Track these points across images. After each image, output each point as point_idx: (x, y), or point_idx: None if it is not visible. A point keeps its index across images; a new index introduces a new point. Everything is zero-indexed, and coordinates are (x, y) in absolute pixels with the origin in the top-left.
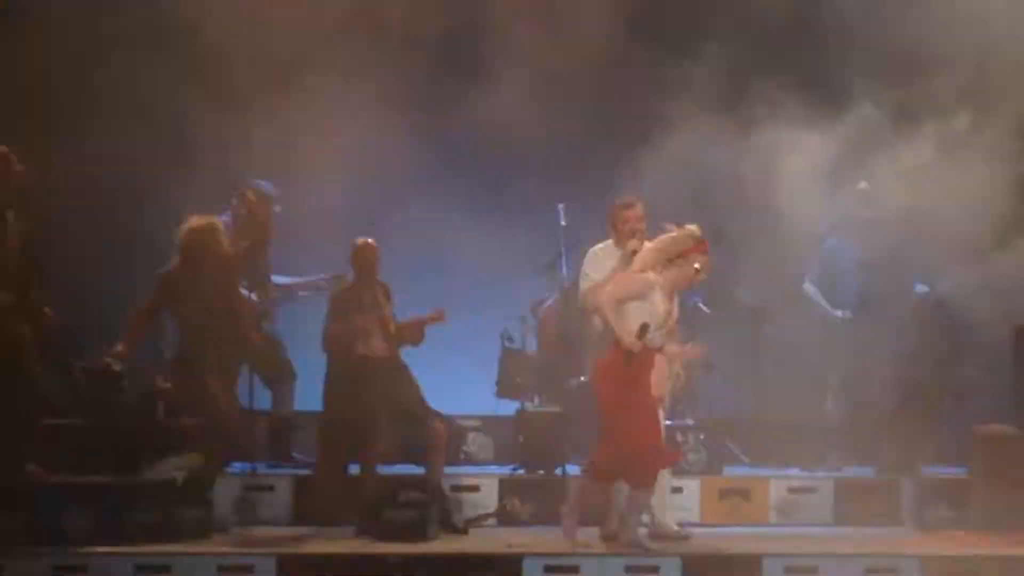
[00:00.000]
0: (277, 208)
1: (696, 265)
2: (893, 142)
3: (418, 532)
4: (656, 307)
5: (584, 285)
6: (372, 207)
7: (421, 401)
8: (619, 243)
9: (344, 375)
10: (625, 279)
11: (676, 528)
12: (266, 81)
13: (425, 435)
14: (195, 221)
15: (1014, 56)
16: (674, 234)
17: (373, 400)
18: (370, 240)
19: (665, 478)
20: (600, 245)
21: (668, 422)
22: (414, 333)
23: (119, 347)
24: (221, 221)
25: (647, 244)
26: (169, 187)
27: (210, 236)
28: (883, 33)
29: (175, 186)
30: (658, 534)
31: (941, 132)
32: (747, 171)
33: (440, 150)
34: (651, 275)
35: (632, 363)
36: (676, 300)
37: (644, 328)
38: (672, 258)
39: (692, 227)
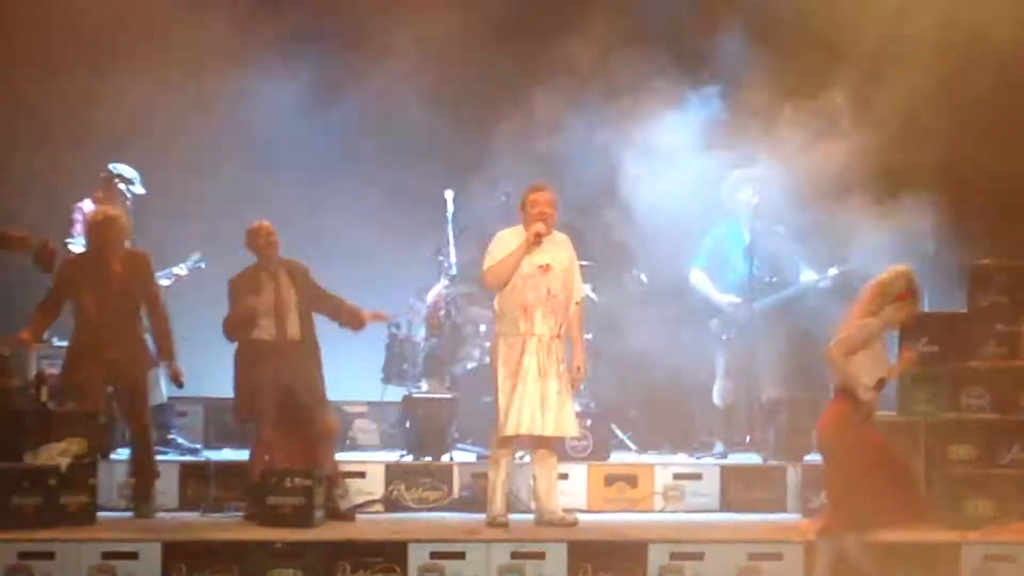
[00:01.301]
0: (141, 191)
1: (907, 308)
2: (780, 124)
3: (304, 518)
4: (879, 353)
5: (486, 264)
6: (258, 192)
7: (314, 388)
8: (527, 225)
9: (241, 361)
10: (850, 330)
11: (562, 514)
12: (143, 62)
13: (316, 424)
14: (96, 212)
15: (896, 35)
16: (888, 276)
17: (264, 385)
18: (265, 222)
19: (553, 463)
20: (508, 228)
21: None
22: (351, 319)
23: (23, 333)
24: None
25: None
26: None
27: (108, 227)
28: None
29: (37, 168)
30: (544, 520)
31: (826, 112)
32: (635, 155)
33: (326, 135)
34: (873, 321)
35: (861, 411)
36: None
37: (882, 381)
38: (890, 302)
39: (903, 267)
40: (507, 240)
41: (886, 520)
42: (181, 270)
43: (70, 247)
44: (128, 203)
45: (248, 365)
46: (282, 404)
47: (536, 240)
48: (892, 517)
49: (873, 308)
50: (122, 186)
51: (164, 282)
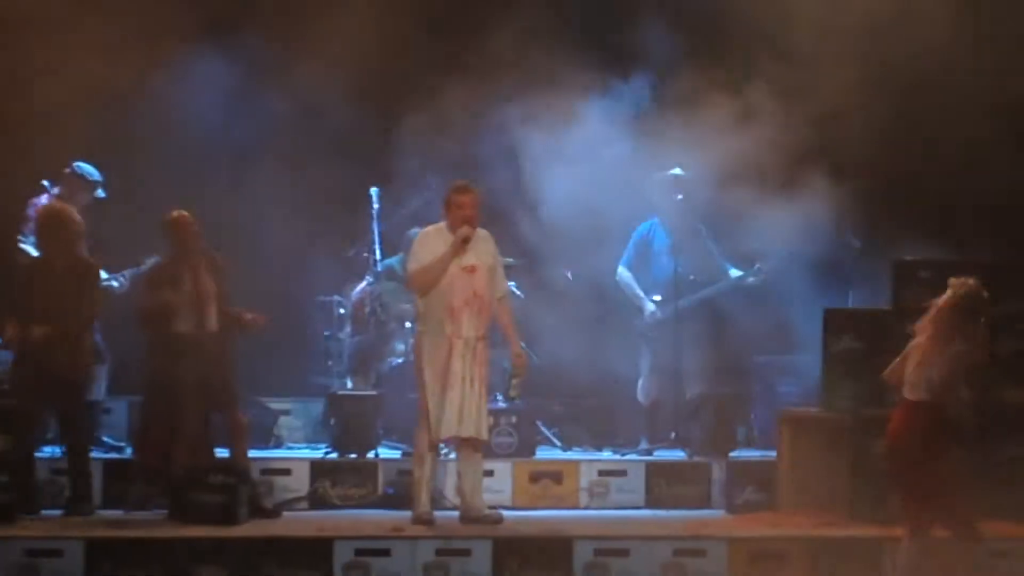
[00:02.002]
0: (101, 193)
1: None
2: (705, 118)
3: (227, 515)
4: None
5: (411, 267)
6: (180, 186)
7: (228, 384)
8: (452, 226)
9: (156, 353)
10: (950, 366)
11: (487, 511)
12: (59, 52)
13: (228, 421)
14: (45, 209)
15: (824, 25)
16: (965, 291)
17: (181, 380)
18: (183, 212)
19: (478, 460)
20: (432, 227)
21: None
22: (237, 324)
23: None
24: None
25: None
26: None
27: (58, 223)
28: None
29: None
30: (469, 517)
31: (752, 105)
32: (559, 153)
33: (248, 130)
34: (963, 348)
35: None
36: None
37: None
38: (969, 320)
39: (972, 282)
40: (431, 240)
41: (966, 515)
42: (134, 274)
43: (22, 246)
44: (87, 204)
45: (166, 359)
46: (201, 399)
47: (462, 246)
48: (969, 513)
49: (948, 329)
50: (84, 187)
51: (114, 284)
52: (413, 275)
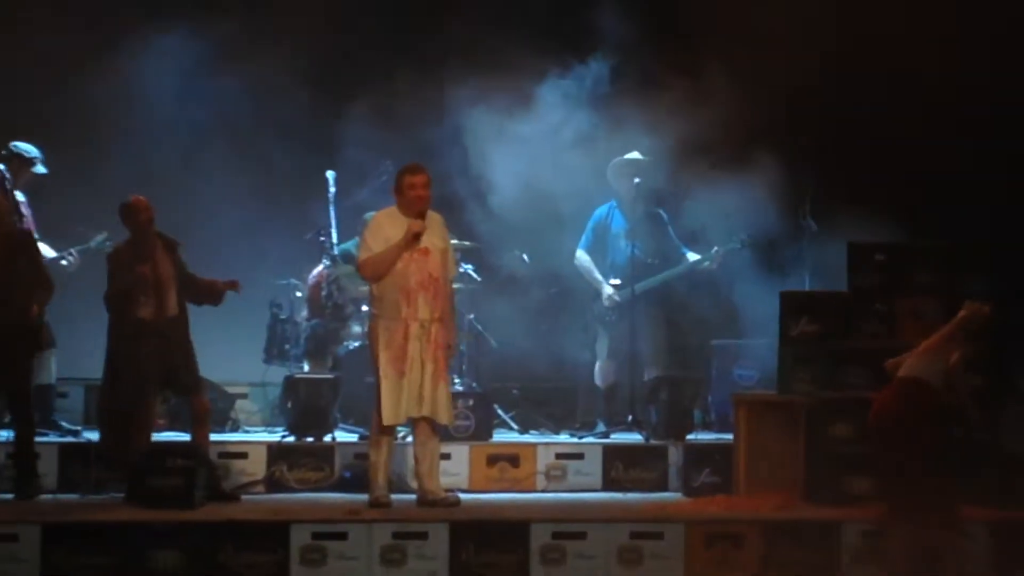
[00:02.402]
0: (43, 170)
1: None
2: (659, 105)
3: (184, 499)
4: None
5: (363, 254)
6: (134, 167)
7: (191, 369)
8: (402, 208)
9: (117, 338)
10: (957, 374)
11: (444, 494)
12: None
13: (192, 405)
14: None
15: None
16: (971, 314)
17: (143, 365)
18: (140, 197)
19: (435, 443)
20: (383, 212)
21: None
22: (212, 295)
23: None
24: None
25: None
26: None
27: None
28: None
29: None
30: (426, 500)
31: (706, 91)
32: (516, 136)
33: (204, 112)
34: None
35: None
36: None
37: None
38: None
39: (986, 307)
40: (383, 225)
41: (956, 501)
42: (82, 251)
43: None
44: (28, 183)
45: (128, 343)
46: (163, 383)
47: (414, 240)
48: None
49: (954, 342)
50: (22, 164)
51: (63, 262)
52: (364, 264)
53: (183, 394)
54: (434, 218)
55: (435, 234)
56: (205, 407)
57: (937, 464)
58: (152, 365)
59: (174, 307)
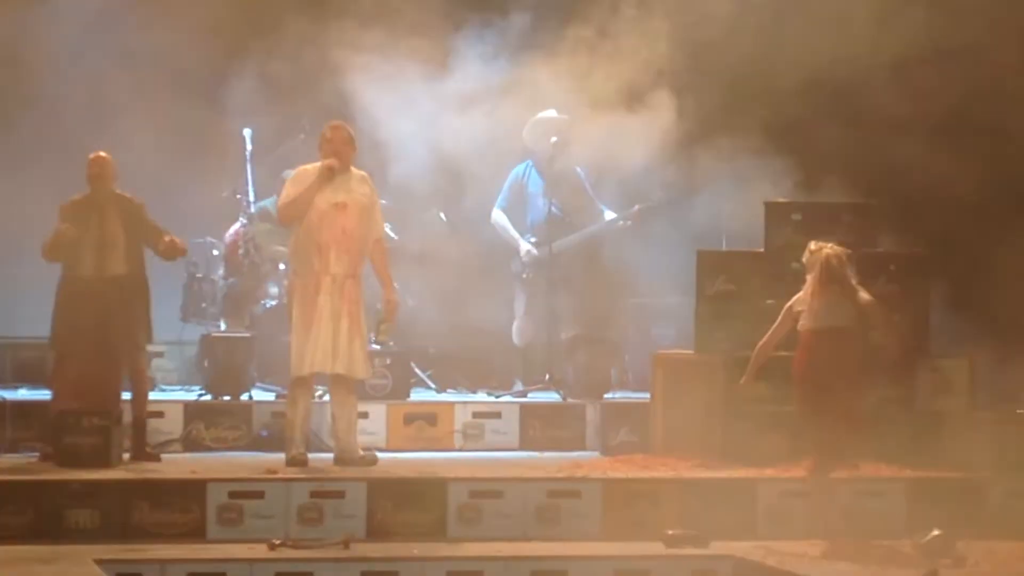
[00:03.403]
0: None
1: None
2: (576, 62)
3: (101, 458)
4: None
5: (281, 200)
6: (46, 126)
7: (132, 331)
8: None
9: (60, 293)
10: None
11: (362, 453)
12: None
13: (128, 367)
14: None
15: None
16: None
17: (79, 322)
18: (101, 154)
19: (352, 402)
20: (310, 164)
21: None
22: (172, 249)
23: None
24: None
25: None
26: None
27: None
28: None
29: None
30: (343, 459)
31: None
32: (433, 94)
33: (116, 73)
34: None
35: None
36: None
37: None
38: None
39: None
40: (307, 175)
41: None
42: None
43: None
44: None
45: (66, 299)
46: (96, 343)
47: (328, 174)
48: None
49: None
50: None
51: None
52: (281, 207)
53: (120, 355)
54: (357, 175)
55: (357, 190)
56: (140, 370)
57: (860, 413)
58: (85, 320)
59: (119, 267)
